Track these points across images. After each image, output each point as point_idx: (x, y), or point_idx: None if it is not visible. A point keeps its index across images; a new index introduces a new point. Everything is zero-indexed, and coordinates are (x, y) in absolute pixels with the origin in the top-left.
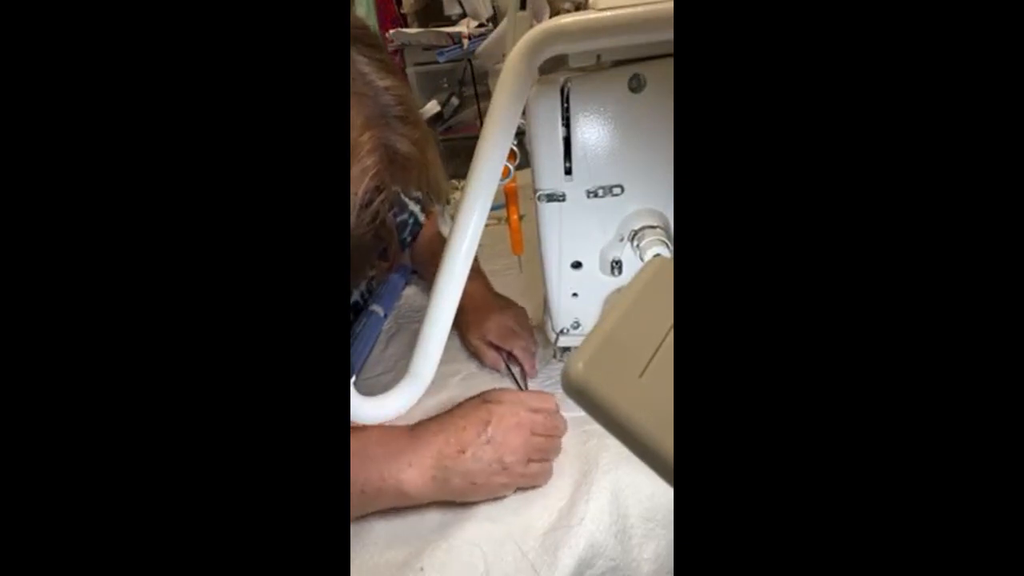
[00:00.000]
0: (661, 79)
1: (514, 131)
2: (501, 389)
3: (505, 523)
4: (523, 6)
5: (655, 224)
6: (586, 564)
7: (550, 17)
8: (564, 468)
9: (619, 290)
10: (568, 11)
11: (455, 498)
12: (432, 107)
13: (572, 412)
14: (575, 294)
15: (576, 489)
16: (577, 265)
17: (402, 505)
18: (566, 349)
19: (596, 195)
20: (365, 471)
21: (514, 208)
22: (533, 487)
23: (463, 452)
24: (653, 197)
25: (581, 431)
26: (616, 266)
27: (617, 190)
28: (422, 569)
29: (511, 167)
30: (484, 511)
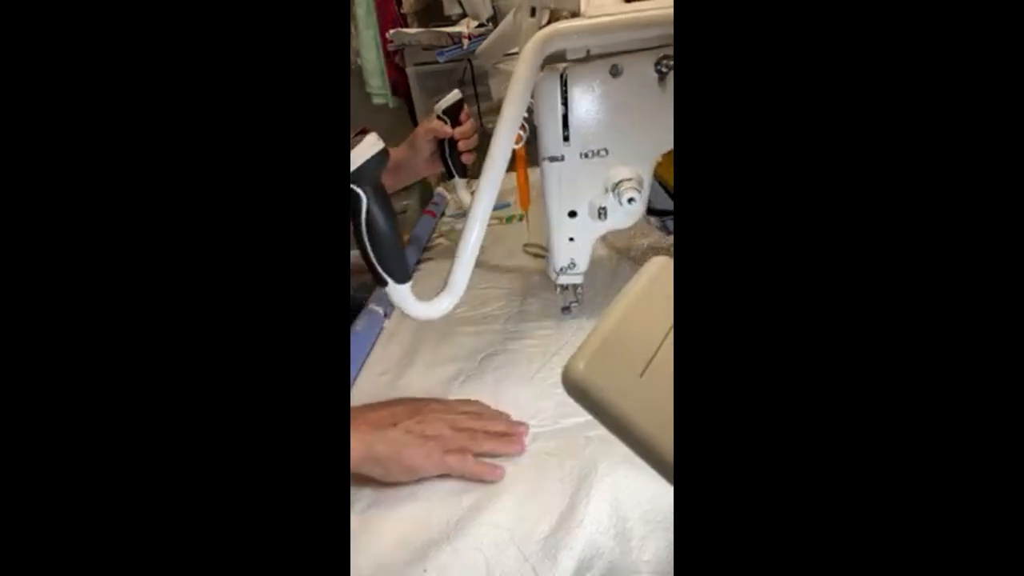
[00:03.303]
0: (634, 67)
1: (526, 106)
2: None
3: (507, 527)
4: (533, 14)
5: (631, 177)
6: (586, 566)
7: (549, 22)
8: (564, 471)
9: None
10: (566, 18)
11: (377, 468)
12: (455, 95)
13: (573, 416)
14: (571, 238)
15: (576, 492)
16: (573, 214)
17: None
18: (565, 287)
19: (587, 156)
20: None
21: (522, 170)
22: (457, 476)
23: (394, 425)
24: (630, 158)
25: (581, 435)
26: (602, 212)
27: (603, 152)
28: (425, 571)
29: (523, 135)
30: (487, 515)
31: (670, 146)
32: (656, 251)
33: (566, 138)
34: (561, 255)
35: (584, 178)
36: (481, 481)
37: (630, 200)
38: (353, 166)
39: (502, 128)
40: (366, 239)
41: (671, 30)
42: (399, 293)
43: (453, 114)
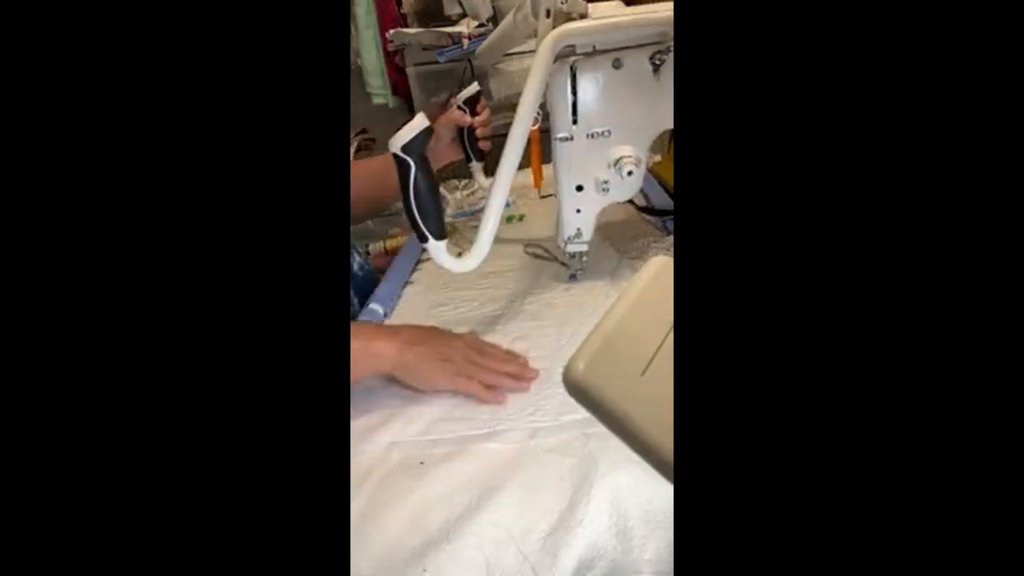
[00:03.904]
0: (632, 60)
1: (543, 91)
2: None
3: (507, 526)
4: (548, 15)
5: (630, 154)
6: (586, 566)
7: (558, 22)
8: (565, 469)
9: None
10: (575, 19)
11: (406, 374)
12: (473, 88)
13: (573, 414)
14: (578, 210)
15: (576, 491)
16: (580, 188)
17: (372, 368)
18: (572, 255)
19: (592, 137)
20: (352, 341)
21: (536, 149)
22: (466, 395)
23: (422, 342)
24: (629, 137)
25: (581, 433)
26: (605, 185)
27: (607, 133)
28: (425, 571)
29: (539, 117)
30: (486, 514)
31: (663, 128)
32: (656, 251)
33: (575, 121)
34: (569, 225)
35: (590, 156)
36: (484, 402)
37: (629, 173)
38: (404, 140)
39: (523, 108)
40: (412, 200)
41: (664, 29)
42: (436, 248)
43: (471, 105)
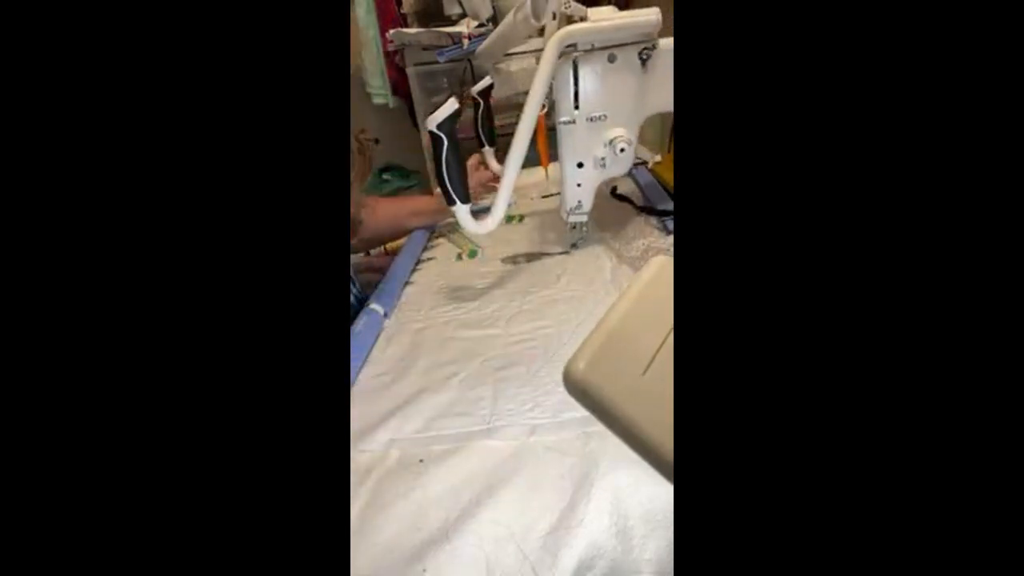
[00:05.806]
0: (625, 55)
1: (550, 83)
2: None
3: (507, 524)
4: (555, 17)
5: (623, 134)
6: (586, 566)
7: (562, 24)
8: (565, 468)
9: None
10: (576, 22)
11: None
12: (487, 81)
13: (573, 412)
14: (579, 184)
15: (577, 490)
16: (580, 165)
17: (416, 218)
18: (574, 226)
19: (591, 120)
20: (397, 207)
21: (542, 135)
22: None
23: None
24: (622, 120)
25: (582, 432)
26: (602, 162)
27: (603, 117)
28: (424, 571)
29: (546, 104)
30: (487, 512)
31: (650, 111)
32: (656, 251)
33: (576, 107)
34: (571, 198)
35: (589, 136)
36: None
37: (621, 150)
38: (438, 120)
39: (534, 94)
40: (443, 170)
41: (649, 30)
42: (461, 210)
43: (484, 96)
